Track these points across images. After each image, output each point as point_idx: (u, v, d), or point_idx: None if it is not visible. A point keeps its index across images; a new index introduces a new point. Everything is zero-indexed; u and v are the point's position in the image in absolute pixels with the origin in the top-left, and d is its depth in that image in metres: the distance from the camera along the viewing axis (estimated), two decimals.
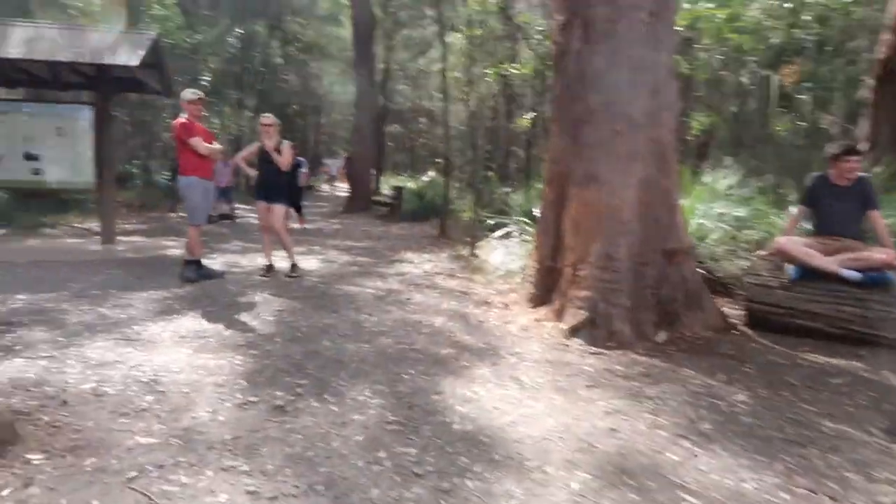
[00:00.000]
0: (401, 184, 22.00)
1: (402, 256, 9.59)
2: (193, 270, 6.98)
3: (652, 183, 5.36)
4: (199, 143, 6.77)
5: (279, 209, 7.24)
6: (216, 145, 7.10)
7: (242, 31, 25.29)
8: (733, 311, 6.03)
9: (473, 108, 10.27)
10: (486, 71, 10.45)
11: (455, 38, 29.41)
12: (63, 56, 8.93)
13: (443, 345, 4.77)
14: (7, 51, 8.89)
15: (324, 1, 25.77)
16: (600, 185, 5.29)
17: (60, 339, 4.58)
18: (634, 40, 5.23)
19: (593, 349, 4.79)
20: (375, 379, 3.97)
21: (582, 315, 5.10)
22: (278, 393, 3.67)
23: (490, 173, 24.30)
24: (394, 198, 16.56)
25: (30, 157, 9.78)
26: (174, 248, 9.65)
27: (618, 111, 5.27)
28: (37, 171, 9.83)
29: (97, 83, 9.94)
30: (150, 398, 3.52)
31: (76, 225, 12.71)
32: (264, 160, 7.27)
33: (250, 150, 7.48)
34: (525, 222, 7.96)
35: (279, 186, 7.25)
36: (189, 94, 6.89)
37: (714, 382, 4.15)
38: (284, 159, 7.21)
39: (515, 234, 7.95)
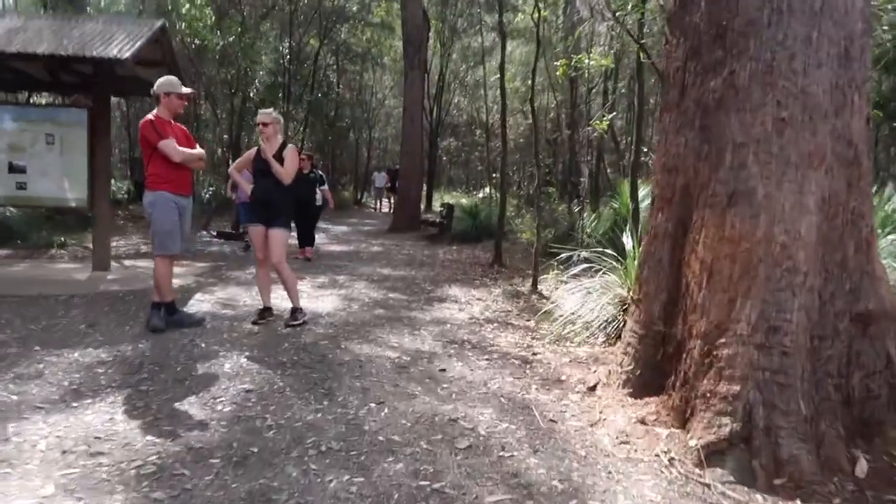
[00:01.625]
0: (452, 201, 20.16)
1: (446, 292, 7.65)
2: (160, 317, 5.22)
3: (837, 204, 3.28)
4: (169, 146, 5.04)
5: (278, 235, 5.41)
6: (196, 150, 5.36)
7: (291, 42, 24.13)
8: None
9: (533, 116, 8.30)
10: (556, 63, 8.47)
11: (514, 46, 27.63)
12: (42, 49, 7.44)
13: (489, 479, 2.78)
14: None
15: (377, 7, 24.29)
16: (755, 206, 3.22)
17: None
18: None
19: (757, 497, 2.72)
20: None
21: (726, 426, 3.03)
22: None
23: (550, 189, 22.38)
24: (443, 217, 14.68)
25: (14, 168, 8.35)
26: (176, 278, 8.02)
27: (786, 87, 3.21)
28: (22, 186, 8.38)
29: (91, 83, 8.48)
30: None
31: (88, 245, 11.34)
32: (261, 170, 5.49)
33: (246, 157, 5.72)
34: (608, 255, 5.89)
35: (279, 205, 5.44)
36: (163, 83, 5.19)
37: None
38: (287, 169, 5.40)
39: (595, 269, 5.88)
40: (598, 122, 8.28)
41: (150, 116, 5.14)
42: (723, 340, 3.19)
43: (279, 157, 5.42)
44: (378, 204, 26.07)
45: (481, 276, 9.06)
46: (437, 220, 14.78)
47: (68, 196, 8.38)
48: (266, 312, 5.63)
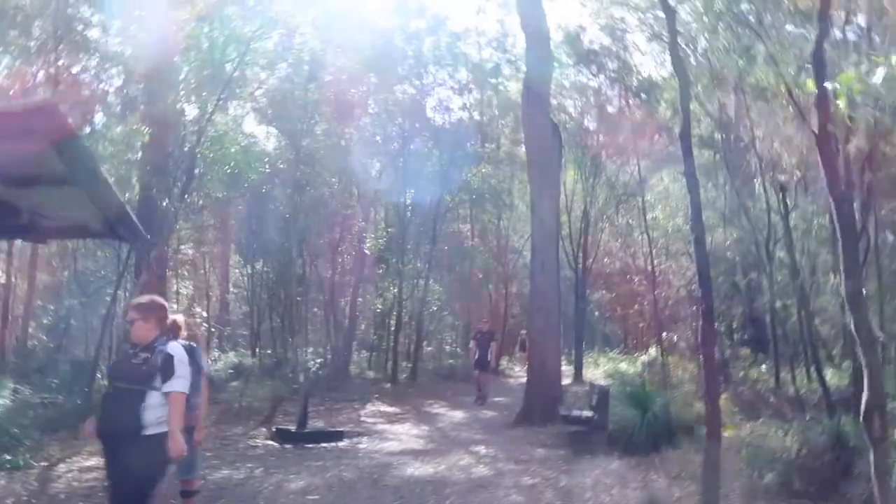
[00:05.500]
0: (608, 368, 14.71)
1: None
2: None
3: None
4: None
5: None
6: None
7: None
8: None
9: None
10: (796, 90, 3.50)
11: (670, 178, 22.85)
12: None
13: None
14: None
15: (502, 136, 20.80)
16: None
17: None
18: None
19: None
20: None
21: None
22: None
23: (743, 349, 16.87)
24: (593, 407, 9.26)
25: None
26: None
27: None
28: None
29: None
30: None
31: None
32: None
33: None
34: None
35: None
36: None
37: None
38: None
39: None
40: None
41: None
42: None
43: None
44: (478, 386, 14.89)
45: None
46: (584, 414, 9.33)
47: None
48: None
